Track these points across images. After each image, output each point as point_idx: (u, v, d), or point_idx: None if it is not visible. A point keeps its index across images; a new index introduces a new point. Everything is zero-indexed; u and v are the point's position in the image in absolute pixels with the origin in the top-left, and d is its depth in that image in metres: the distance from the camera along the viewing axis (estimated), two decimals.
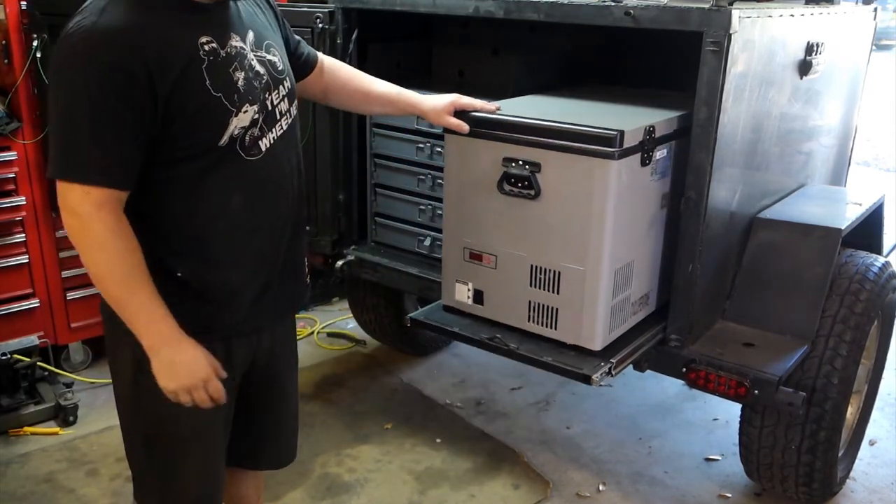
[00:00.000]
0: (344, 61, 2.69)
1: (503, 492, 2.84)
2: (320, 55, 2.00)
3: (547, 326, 2.14)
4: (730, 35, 1.98)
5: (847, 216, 2.52)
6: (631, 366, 2.31)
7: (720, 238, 2.29)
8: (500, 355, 2.21)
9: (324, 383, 3.56)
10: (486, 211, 2.15)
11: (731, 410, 3.19)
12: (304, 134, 2.78)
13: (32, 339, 3.19)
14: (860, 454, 2.95)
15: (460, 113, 2.12)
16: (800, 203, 2.64)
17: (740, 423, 2.56)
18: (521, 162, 2.04)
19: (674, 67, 2.43)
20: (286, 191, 1.71)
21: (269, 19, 1.76)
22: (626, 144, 1.94)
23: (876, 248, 2.80)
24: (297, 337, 4.06)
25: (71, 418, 3.12)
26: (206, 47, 1.50)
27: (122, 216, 1.48)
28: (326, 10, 2.67)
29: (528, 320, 2.16)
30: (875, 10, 3.10)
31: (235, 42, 1.57)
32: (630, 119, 2.07)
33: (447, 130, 2.16)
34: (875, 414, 3.05)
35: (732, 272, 2.43)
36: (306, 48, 1.94)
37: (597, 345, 2.09)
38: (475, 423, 3.26)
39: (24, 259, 3.24)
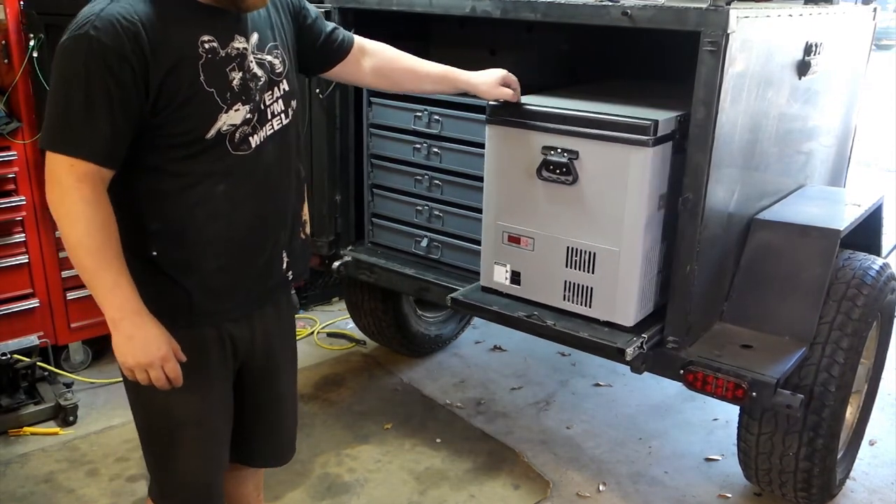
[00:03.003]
0: None
1: (503, 492, 2.84)
2: (359, 38, 2.05)
3: (582, 305, 2.26)
4: (727, 35, 1.97)
5: (846, 217, 2.51)
6: (629, 366, 2.31)
7: (718, 239, 2.28)
8: (537, 333, 2.33)
9: (324, 383, 3.57)
10: (524, 196, 2.29)
11: (731, 410, 3.19)
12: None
13: (32, 339, 3.19)
14: (860, 454, 2.94)
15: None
16: (798, 204, 2.63)
17: (738, 428, 2.56)
18: (560, 150, 2.17)
19: (672, 67, 2.42)
20: (275, 186, 1.74)
21: (283, 17, 1.79)
22: (660, 133, 2.06)
23: (875, 249, 2.79)
24: (297, 337, 4.07)
25: (71, 418, 3.12)
26: (206, 45, 1.56)
27: (102, 192, 1.53)
28: (323, 10, 2.66)
29: (564, 299, 2.29)
30: (874, 10, 3.09)
31: (238, 44, 1.62)
32: (662, 109, 2.16)
33: (491, 116, 2.30)
34: (875, 414, 3.04)
35: (730, 273, 2.42)
36: (342, 33, 2.01)
37: (630, 321, 2.21)
38: (475, 423, 3.26)
39: (24, 259, 3.24)
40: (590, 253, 2.21)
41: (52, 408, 3.15)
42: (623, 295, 2.19)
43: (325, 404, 3.38)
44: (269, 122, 1.70)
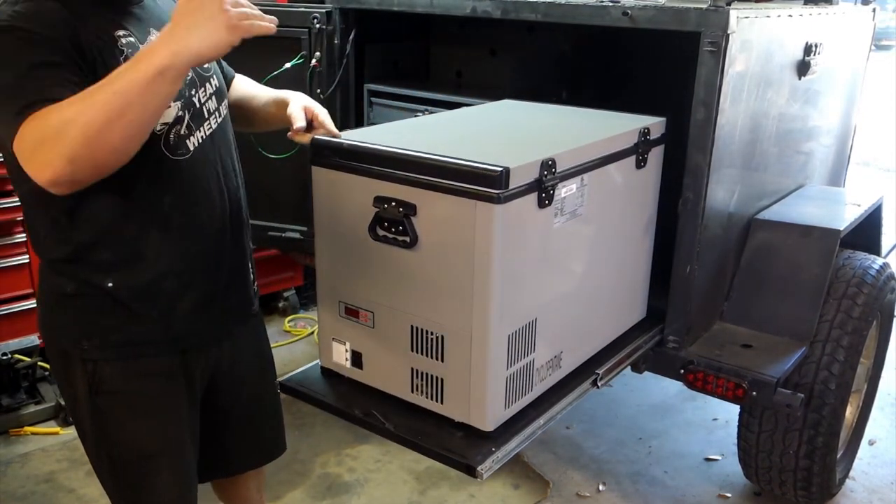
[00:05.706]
0: (341, 62, 2.72)
1: (503, 492, 2.84)
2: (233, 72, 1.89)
3: (432, 399, 1.78)
4: (727, 35, 1.98)
5: (845, 217, 2.52)
6: (629, 366, 2.31)
7: (718, 239, 2.29)
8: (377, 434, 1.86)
9: None
10: (360, 259, 1.81)
11: (731, 410, 3.19)
12: None
13: (33, 339, 3.19)
14: (860, 454, 2.95)
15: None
16: (798, 204, 2.63)
17: (738, 427, 2.56)
18: (394, 203, 1.69)
19: (671, 69, 2.43)
20: (221, 193, 1.63)
21: None
22: (515, 183, 1.60)
23: (875, 248, 2.79)
24: (297, 337, 4.06)
25: (71, 418, 3.12)
26: (124, 41, 1.46)
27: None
28: (323, 10, 2.67)
29: (412, 390, 1.81)
30: (874, 10, 3.10)
31: (154, 38, 1.51)
32: (529, 150, 1.75)
33: (314, 156, 1.81)
34: (875, 413, 3.05)
35: (731, 273, 2.43)
36: (222, 62, 1.82)
37: (488, 425, 1.73)
38: None
39: (24, 259, 3.23)
40: (437, 335, 1.72)
41: (53, 407, 3.16)
42: (478, 391, 1.70)
43: None
44: (207, 122, 1.60)
